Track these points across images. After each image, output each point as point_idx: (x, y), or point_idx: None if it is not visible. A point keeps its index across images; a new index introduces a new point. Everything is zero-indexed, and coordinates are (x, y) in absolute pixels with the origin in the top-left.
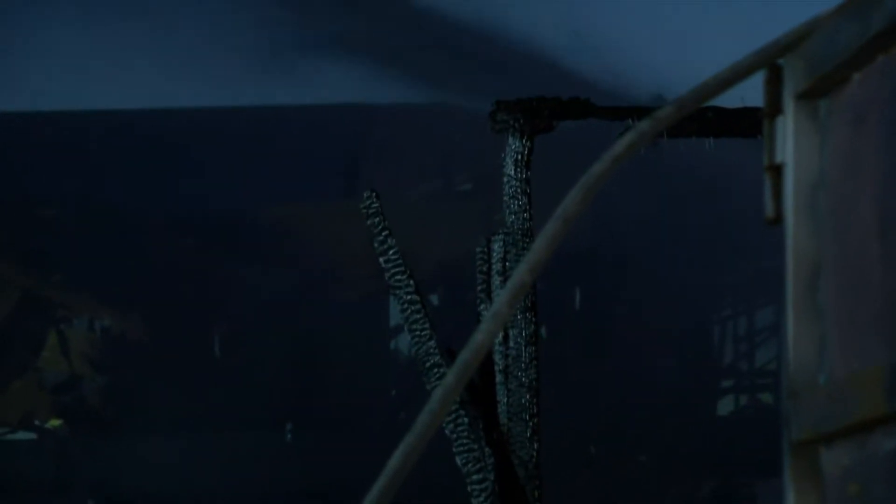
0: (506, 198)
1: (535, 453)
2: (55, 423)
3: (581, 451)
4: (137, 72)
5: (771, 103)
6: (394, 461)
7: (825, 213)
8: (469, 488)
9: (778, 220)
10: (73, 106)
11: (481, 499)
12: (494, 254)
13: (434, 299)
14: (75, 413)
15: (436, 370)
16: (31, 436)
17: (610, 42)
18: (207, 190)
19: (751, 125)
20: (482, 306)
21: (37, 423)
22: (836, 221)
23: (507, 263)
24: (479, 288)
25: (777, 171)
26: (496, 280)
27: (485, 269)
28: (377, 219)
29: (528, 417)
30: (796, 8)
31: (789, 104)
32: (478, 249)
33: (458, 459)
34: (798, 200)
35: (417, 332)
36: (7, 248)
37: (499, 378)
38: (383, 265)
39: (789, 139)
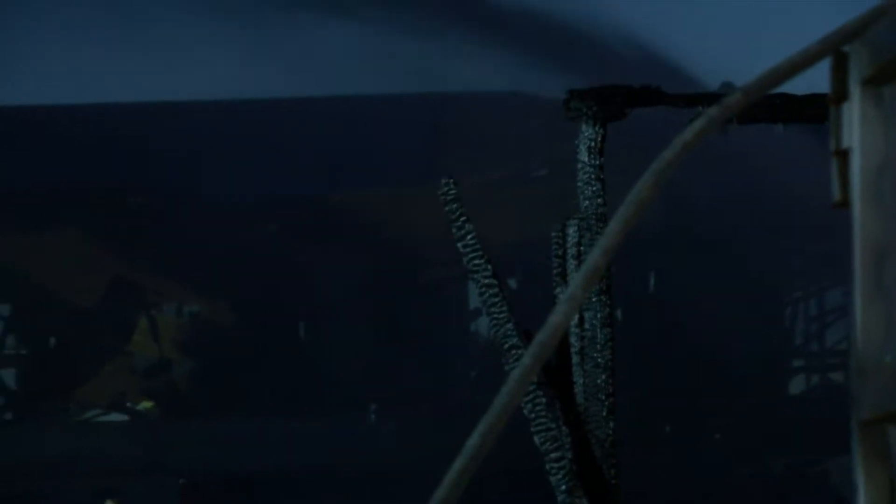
0: (580, 183)
1: (611, 432)
2: (147, 404)
3: (656, 429)
4: (220, 65)
5: (837, 90)
6: (472, 441)
7: (890, 196)
8: (547, 466)
9: (845, 203)
10: (162, 97)
11: (559, 476)
12: (569, 238)
13: (512, 283)
14: (165, 395)
15: (514, 352)
16: (123, 417)
17: (680, 32)
18: (290, 176)
19: (817, 111)
20: (558, 289)
21: (128, 405)
22: None
23: (582, 248)
24: (554, 271)
25: (843, 155)
26: (571, 264)
27: (560, 253)
28: (455, 205)
29: (603, 397)
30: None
31: (855, 90)
32: (553, 234)
33: (536, 439)
34: (864, 184)
35: (496, 315)
36: (99, 235)
37: (575, 359)
38: (461, 250)
39: (855, 125)
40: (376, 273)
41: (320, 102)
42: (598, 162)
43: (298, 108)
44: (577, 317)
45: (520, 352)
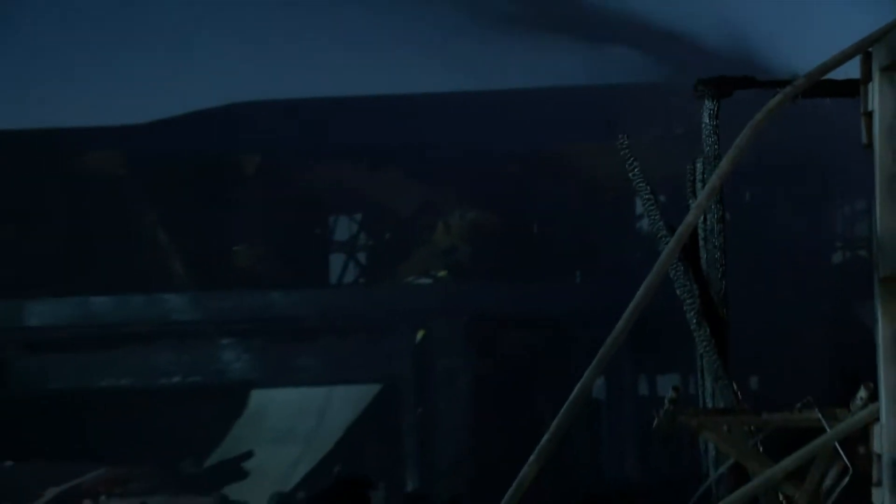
0: (704, 136)
1: (723, 286)
2: (442, 273)
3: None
4: (402, 62)
5: (865, 74)
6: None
7: None
8: (685, 307)
9: (870, 145)
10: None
11: (691, 314)
12: (697, 169)
13: (662, 198)
14: (453, 268)
15: (664, 239)
16: (429, 280)
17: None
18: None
19: (852, 89)
20: (690, 201)
21: (431, 273)
22: None
23: (705, 175)
24: (688, 190)
25: (869, 115)
26: (698, 185)
27: (692, 178)
28: (627, 152)
29: (718, 266)
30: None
31: (876, 75)
32: (688, 167)
33: (677, 291)
34: (881, 132)
35: (653, 217)
36: (414, 175)
37: (700, 243)
38: (632, 178)
39: (875, 96)
40: (577, 201)
41: (517, 93)
42: (714, 123)
43: (499, 99)
44: (702, 217)
45: (667, 238)
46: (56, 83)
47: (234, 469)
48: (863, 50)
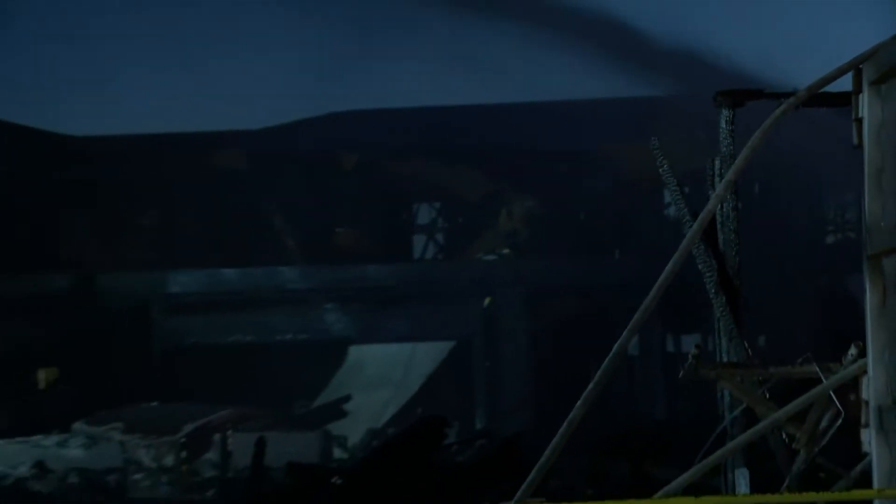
0: (721, 138)
1: (736, 262)
2: (506, 251)
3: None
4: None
5: (856, 86)
6: (666, 271)
7: (885, 140)
8: (705, 279)
9: (860, 146)
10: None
11: (710, 284)
12: (716, 167)
13: (686, 189)
14: (514, 247)
15: (688, 223)
16: (494, 257)
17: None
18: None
19: (845, 99)
20: (710, 192)
21: (496, 251)
22: (891, 144)
23: (722, 171)
24: (708, 183)
25: (860, 121)
26: (717, 179)
27: (711, 173)
28: (658, 152)
29: (733, 246)
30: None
31: (865, 87)
32: (708, 164)
33: (699, 266)
34: (870, 135)
35: (679, 205)
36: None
37: (718, 226)
38: (661, 173)
39: (865, 104)
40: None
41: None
42: (730, 127)
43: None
44: (720, 205)
45: (691, 223)
46: (192, 96)
47: (336, 410)
48: (855, 66)
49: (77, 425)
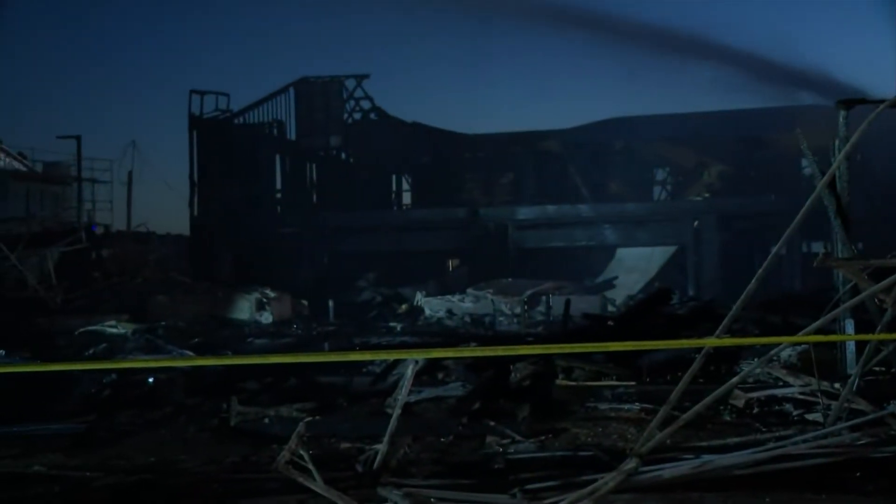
0: (839, 133)
1: (847, 201)
2: (706, 195)
3: None
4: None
5: None
6: (806, 205)
7: None
8: (829, 211)
9: None
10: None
11: (833, 213)
12: (836, 145)
13: (816, 158)
14: (712, 192)
15: (818, 178)
16: (699, 198)
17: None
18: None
19: None
20: (832, 160)
21: (701, 194)
22: None
23: (839, 147)
24: (831, 156)
25: None
26: (838, 152)
27: (833, 149)
28: (801, 137)
29: (846, 194)
30: None
31: None
32: (831, 143)
33: (825, 202)
34: None
35: (813, 168)
36: (691, 148)
37: (837, 179)
38: (803, 150)
39: None
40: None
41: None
42: (845, 122)
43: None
44: (838, 167)
45: (821, 178)
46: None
47: (609, 284)
48: None
49: (469, 290)
